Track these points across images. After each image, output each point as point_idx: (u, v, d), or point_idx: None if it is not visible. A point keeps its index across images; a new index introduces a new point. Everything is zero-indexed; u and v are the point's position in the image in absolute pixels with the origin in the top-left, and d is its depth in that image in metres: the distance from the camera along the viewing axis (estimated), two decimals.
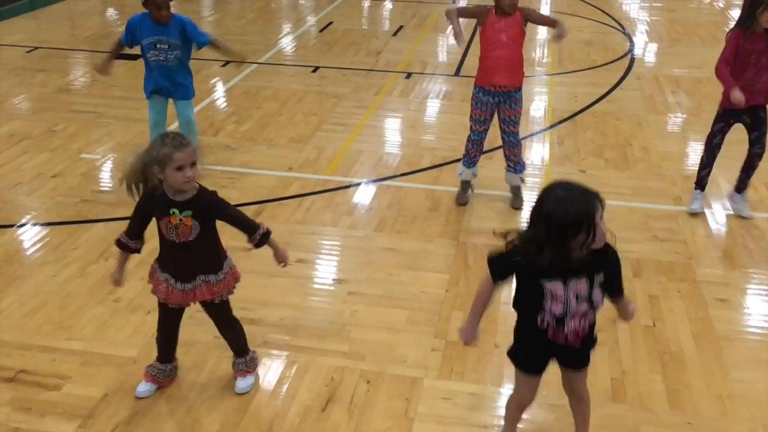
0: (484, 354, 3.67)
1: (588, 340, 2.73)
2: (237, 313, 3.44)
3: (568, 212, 2.35)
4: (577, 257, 2.45)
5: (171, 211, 2.96)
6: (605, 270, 2.57)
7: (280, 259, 3.25)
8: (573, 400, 2.97)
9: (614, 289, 2.64)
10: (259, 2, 11.35)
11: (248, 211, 4.95)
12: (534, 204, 2.49)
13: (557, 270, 2.50)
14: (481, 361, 3.63)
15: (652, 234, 4.80)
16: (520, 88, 4.84)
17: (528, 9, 4.76)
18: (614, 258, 2.60)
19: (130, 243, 3.14)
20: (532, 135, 6.40)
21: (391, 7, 11.39)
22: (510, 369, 3.51)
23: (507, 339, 3.73)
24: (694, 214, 4.98)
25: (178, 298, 3.15)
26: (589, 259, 2.48)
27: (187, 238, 3.01)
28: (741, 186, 4.99)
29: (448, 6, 4.76)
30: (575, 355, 2.77)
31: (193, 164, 2.91)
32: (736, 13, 10.46)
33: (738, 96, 4.48)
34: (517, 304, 2.73)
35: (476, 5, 4.83)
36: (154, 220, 3.06)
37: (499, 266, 2.66)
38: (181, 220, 2.97)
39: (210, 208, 3.04)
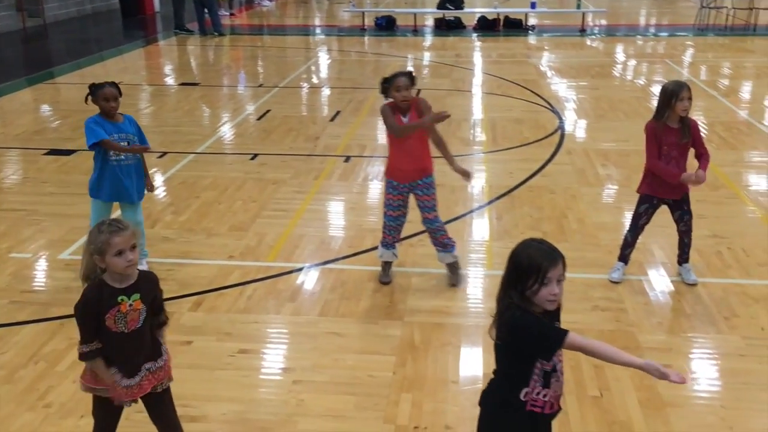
0: None
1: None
2: (177, 410, 3.30)
3: (528, 257, 2.48)
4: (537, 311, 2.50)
5: (119, 299, 2.88)
6: None
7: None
8: None
9: None
10: (195, 93, 11.47)
11: (188, 303, 4.91)
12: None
13: None
14: None
15: (593, 304, 4.87)
16: (431, 175, 4.95)
17: (424, 103, 4.84)
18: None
19: (92, 347, 2.93)
20: (471, 212, 6.51)
21: (328, 93, 11.66)
22: None
23: (458, 421, 3.69)
24: (616, 283, 5.10)
25: (124, 396, 3.00)
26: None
27: (136, 325, 2.93)
28: (681, 259, 5.15)
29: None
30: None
31: (134, 247, 2.87)
32: (655, 89, 11.10)
33: (689, 180, 4.72)
34: (507, 378, 2.63)
35: (384, 112, 4.82)
36: None
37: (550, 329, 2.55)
38: (131, 305, 2.89)
39: (154, 286, 3.01)
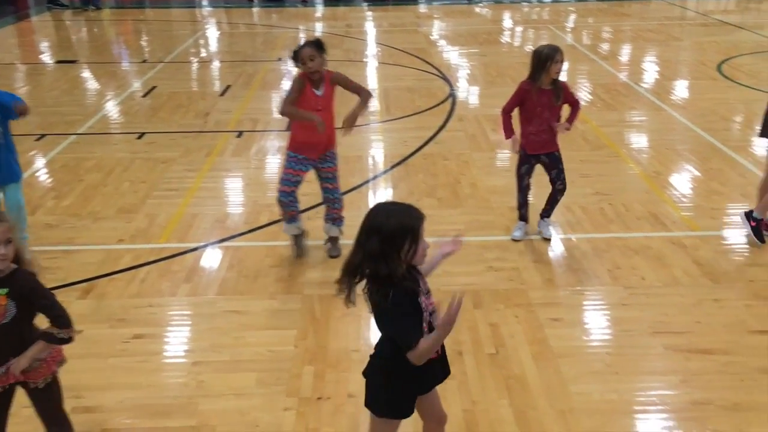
0: (338, 406, 3.62)
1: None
2: (69, 402, 3.17)
3: (398, 223, 2.46)
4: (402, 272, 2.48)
5: None
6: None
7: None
8: (433, 424, 2.96)
9: None
10: (73, 71, 10.87)
11: (76, 291, 4.70)
12: (362, 224, 2.52)
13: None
14: (336, 413, 3.58)
15: (488, 265, 5.02)
16: (334, 148, 4.94)
17: (339, 76, 4.77)
18: None
19: None
20: (367, 182, 6.54)
21: (217, 67, 11.33)
22: (365, 416, 3.49)
23: (360, 388, 3.72)
24: (517, 241, 5.29)
25: None
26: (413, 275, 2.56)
27: (3, 321, 2.75)
28: (545, 214, 5.39)
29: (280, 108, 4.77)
30: (444, 365, 2.78)
31: (9, 241, 2.72)
32: None
33: (512, 146, 5.09)
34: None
35: (293, 83, 4.71)
36: None
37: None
38: None
39: (25, 290, 2.81)
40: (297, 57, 4.64)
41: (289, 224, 5.06)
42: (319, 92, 4.68)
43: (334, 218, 5.12)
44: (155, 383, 3.84)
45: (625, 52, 12.22)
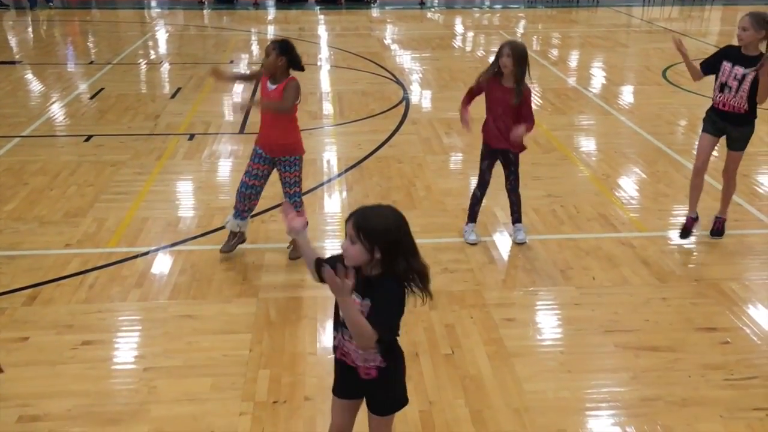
0: (294, 410, 3.59)
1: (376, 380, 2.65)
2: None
3: (400, 219, 2.48)
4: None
5: None
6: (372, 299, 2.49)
7: None
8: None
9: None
10: (16, 72, 10.56)
11: (21, 297, 4.56)
12: (365, 229, 2.42)
13: None
14: (292, 417, 3.55)
15: (443, 267, 5.05)
16: (296, 155, 4.90)
17: (291, 83, 4.77)
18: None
19: None
20: (322, 185, 6.51)
21: (167, 69, 11.14)
22: (322, 419, 3.47)
23: (317, 391, 3.71)
24: (473, 244, 5.33)
25: None
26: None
27: None
28: (515, 219, 5.45)
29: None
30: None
31: None
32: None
33: (462, 122, 5.17)
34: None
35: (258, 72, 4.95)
36: None
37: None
38: None
39: None
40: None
41: (234, 219, 5.03)
42: (271, 86, 4.78)
43: None
44: (105, 390, 3.74)
45: (574, 58, 12.47)
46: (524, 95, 4.98)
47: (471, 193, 5.44)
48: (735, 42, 5.06)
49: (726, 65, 5.03)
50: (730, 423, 3.52)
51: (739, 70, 4.95)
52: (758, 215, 5.86)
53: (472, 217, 5.44)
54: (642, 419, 3.55)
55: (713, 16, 17.51)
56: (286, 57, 4.71)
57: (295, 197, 5.01)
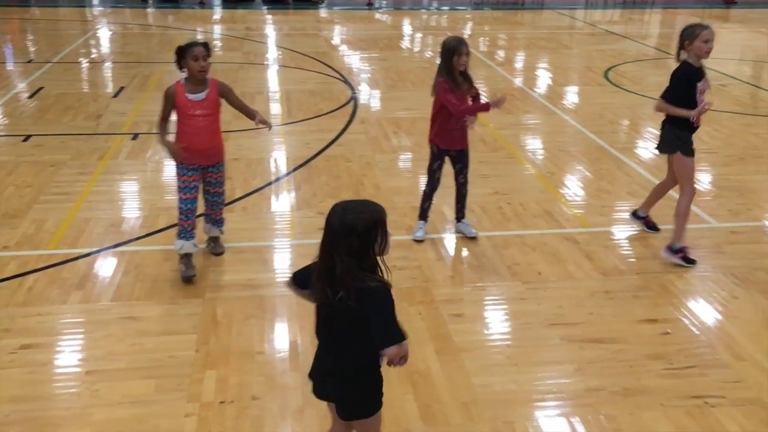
0: (242, 409, 3.55)
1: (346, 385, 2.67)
2: None
3: (369, 217, 2.48)
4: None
5: None
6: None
7: None
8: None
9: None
10: None
11: None
12: (330, 227, 2.46)
13: None
14: (240, 417, 3.50)
15: (391, 264, 4.99)
16: (222, 161, 4.79)
17: (225, 87, 4.66)
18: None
19: None
20: (269, 184, 6.46)
21: (110, 68, 10.89)
22: (270, 419, 3.45)
23: (265, 390, 3.68)
24: (420, 241, 5.36)
25: None
26: None
27: None
28: (460, 215, 5.49)
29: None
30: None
31: None
32: None
33: (498, 103, 4.96)
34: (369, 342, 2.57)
35: (164, 99, 4.59)
36: None
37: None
38: None
39: None
40: (185, 53, 4.44)
41: (187, 239, 4.73)
42: (196, 96, 4.49)
43: (215, 220, 5.03)
44: (45, 395, 3.63)
45: (520, 59, 12.67)
46: (471, 81, 5.10)
47: (421, 192, 5.46)
48: (690, 54, 4.80)
49: (698, 85, 4.80)
50: (671, 411, 3.62)
51: (704, 85, 4.85)
52: (695, 210, 6.05)
53: (423, 215, 5.46)
54: (586, 409, 3.63)
55: (653, 19, 18.02)
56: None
57: (220, 196, 4.93)
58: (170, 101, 4.55)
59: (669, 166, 5.25)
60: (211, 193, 4.87)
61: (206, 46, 4.52)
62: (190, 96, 4.51)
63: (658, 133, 5.19)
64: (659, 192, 5.50)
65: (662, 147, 5.14)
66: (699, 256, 5.21)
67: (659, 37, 15.29)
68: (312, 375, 2.76)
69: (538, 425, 3.51)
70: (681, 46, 4.85)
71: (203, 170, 4.73)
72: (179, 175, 4.67)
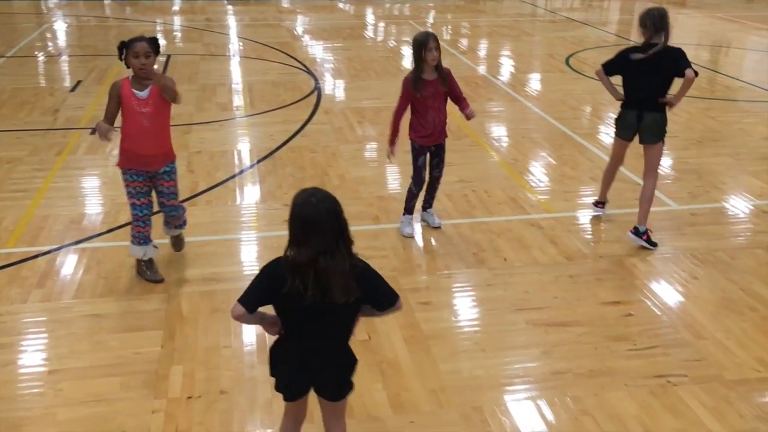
0: (210, 404, 3.52)
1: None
2: None
3: (336, 201, 2.53)
4: None
5: None
6: None
7: None
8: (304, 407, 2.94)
9: None
10: None
11: None
12: (305, 217, 2.48)
13: None
14: (208, 412, 3.47)
15: (359, 254, 5.04)
16: (173, 162, 4.49)
17: (169, 80, 4.24)
18: None
19: None
20: (234, 176, 6.39)
21: (66, 62, 10.66)
22: (239, 412, 3.43)
23: (233, 384, 3.65)
24: (410, 237, 5.31)
25: None
26: None
27: None
28: (427, 205, 5.50)
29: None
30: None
31: None
32: (405, 50, 11.68)
33: (387, 154, 5.06)
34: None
35: (111, 92, 4.32)
36: None
37: None
38: None
39: None
40: (127, 50, 4.16)
41: (145, 245, 4.55)
42: (142, 93, 4.24)
43: (178, 225, 4.82)
44: (7, 396, 3.56)
45: (483, 47, 12.72)
46: (448, 76, 5.02)
47: (407, 189, 5.34)
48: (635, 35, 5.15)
49: None
50: (635, 390, 3.69)
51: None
52: (657, 193, 6.14)
53: (409, 210, 5.40)
54: (553, 391, 3.67)
55: (612, 6, 18.22)
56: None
57: (180, 209, 4.68)
58: (116, 97, 4.25)
59: (645, 153, 5.18)
60: (167, 206, 4.57)
61: (152, 41, 4.20)
62: (137, 93, 4.24)
63: (629, 122, 5.16)
64: (609, 177, 5.58)
65: (649, 137, 5.12)
66: (660, 238, 5.30)
67: (619, 24, 15.47)
68: (281, 371, 2.74)
69: (506, 409, 3.54)
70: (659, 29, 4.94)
71: (152, 177, 4.44)
72: (127, 182, 4.40)
